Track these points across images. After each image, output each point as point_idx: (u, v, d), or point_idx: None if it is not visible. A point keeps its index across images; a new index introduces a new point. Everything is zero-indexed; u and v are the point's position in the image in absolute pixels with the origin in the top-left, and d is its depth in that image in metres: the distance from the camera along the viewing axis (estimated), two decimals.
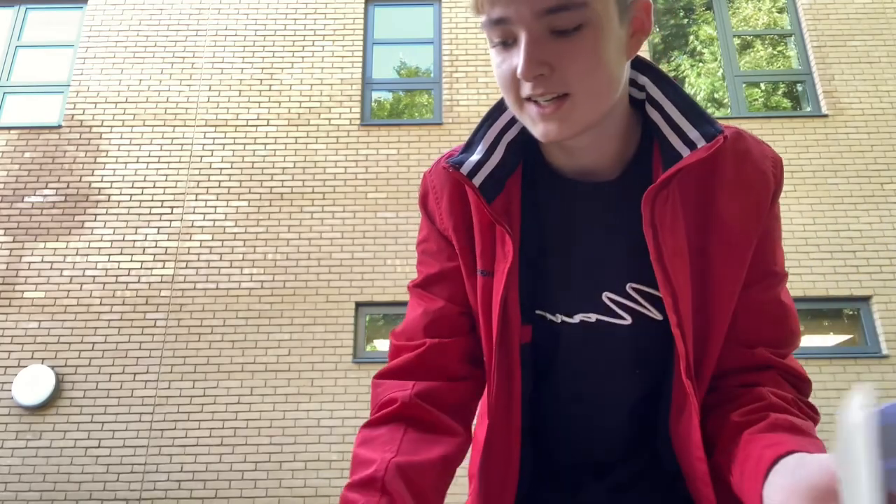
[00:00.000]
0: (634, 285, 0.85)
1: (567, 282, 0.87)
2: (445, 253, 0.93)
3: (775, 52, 7.82)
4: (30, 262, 6.18)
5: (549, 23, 0.69)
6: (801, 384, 0.84)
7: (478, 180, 0.84)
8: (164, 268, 6.16)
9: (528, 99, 0.74)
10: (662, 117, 0.81)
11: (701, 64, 7.94)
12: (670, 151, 0.79)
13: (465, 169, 0.84)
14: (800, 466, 0.63)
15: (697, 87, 7.90)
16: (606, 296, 0.86)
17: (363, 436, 0.85)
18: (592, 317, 0.86)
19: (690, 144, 0.78)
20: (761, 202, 0.83)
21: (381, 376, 0.92)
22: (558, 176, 0.86)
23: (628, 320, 0.85)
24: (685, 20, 8.06)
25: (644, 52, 6.86)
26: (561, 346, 0.89)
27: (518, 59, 0.71)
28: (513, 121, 0.87)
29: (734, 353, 0.84)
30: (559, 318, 0.88)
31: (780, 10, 7.64)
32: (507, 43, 0.73)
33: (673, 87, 0.83)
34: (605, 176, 0.84)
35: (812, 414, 0.81)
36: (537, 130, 0.76)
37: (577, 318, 0.87)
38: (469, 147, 0.87)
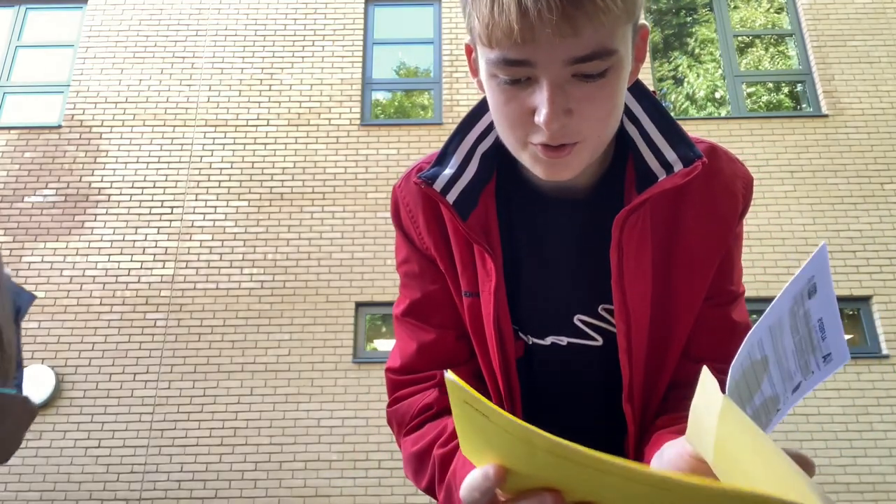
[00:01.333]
0: (606, 306, 0.83)
1: (539, 303, 0.85)
2: (429, 274, 0.88)
3: (775, 53, 7.82)
4: (30, 262, 6.18)
5: (578, 69, 0.64)
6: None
7: (452, 196, 0.79)
8: (164, 268, 6.16)
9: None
10: (640, 134, 0.79)
11: (699, 64, 7.93)
12: (645, 172, 0.77)
13: (438, 184, 0.79)
14: (663, 453, 0.60)
15: (696, 87, 7.90)
16: (578, 318, 0.84)
17: (408, 442, 0.83)
18: (564, 340, 0.85)
19: (667, 167, 0.76)
20: (727, 223, 0.81)
21: (396, 400, 0.89)
22: (532, 190, 0.82)
23: (599, 341, 0.84)
24: (687, 19, 8.06)
25: None
26: (534, 367, 0.87)
27: (535, 101, 0.66)
28: (487, 131, 0.82)
29: (682, 365, 0.84)
30: (530, 339, 0.86)
31: (778, 11, 7.64)
32: (519, 81, 0.66)
33: (653, 103, 0.80)
34: (579, 191, 0.81)
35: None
36: (539, 171, 0.72)
37: (548, 341, 0.86)
38: (442, 159, 0.82)
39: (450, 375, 0.46)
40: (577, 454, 0.42)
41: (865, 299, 6.06)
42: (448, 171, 0.80)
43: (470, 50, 0.74)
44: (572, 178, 0.75)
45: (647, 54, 6.85)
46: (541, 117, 0.65)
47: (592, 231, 0.80)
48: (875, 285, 6.03)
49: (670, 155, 0.76)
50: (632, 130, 0.79)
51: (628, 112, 0.80)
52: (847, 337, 6.43)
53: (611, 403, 0.85)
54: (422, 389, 0.86)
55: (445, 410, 0.83)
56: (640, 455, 0.82)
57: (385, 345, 6.49)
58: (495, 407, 0.44)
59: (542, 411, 0.89)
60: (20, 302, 1.32)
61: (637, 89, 0.81)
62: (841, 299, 6.13)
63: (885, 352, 5.83)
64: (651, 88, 0.86)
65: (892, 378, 5.72)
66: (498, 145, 0.81)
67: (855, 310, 6.15)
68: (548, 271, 0.84)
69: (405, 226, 0.88)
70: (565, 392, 0.89)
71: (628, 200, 0.78)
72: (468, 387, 0.45)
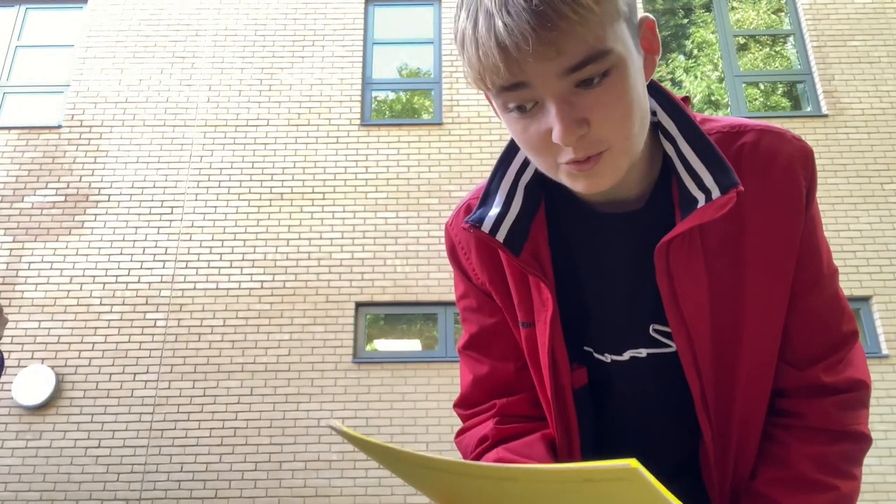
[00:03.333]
0: (657, 327, 0.84)
1: (610, 320, 0.85)
2: (487, 308, 0.90)
3: (772, 53, 7.82)
4: (30, 262, 6.18)
5: (576, 77, 0.64)
6: (851, 402, 0.82)
7: (501, 235, 0.80)
8: (164, 268, 6.16)
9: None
10: (676, 153, 0.77)
11: (696, 66, 7.94)
12: (686, 193, 0.76)
13: (486, 226, 0.80)
14: None
15: (693, 90, 7.91)
16: (654, 328, 0.84)
17: None
18: (643, 352, 0.85)
19: (706, 191, 0.74)
20: (794, 208, 0.78)
21: (461, 433, 0.93)
22: (583, 206, 0.82)
23: (674, 347, 0.83)
24: (685, 20, 8.06)
25: None
26: (615, 384, 0.88)
27: (548, 122, 0.66)
28: (526, 163, 0.83)
29: (787, 374, 0.83)
30: (608, 357, 0.86)
31: (776, 12, 7.64)
32: (526, 108, 0.67)
33: (685, 119, 0.79)
34: (631, 203, 0.80)
35: (836, 476, 0.80)
36: (579, 186, 0.71)
37: (626, 356, 0.85)
38: (486, 199, 0.83)
39: (333, 424, 0.51)
40: (432, 462, 0.48)
41: (865, 299, 6.07)
42: (494, 210, 0.81)
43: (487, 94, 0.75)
44: (619, 190, 0.76)
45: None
46: (556, 135, 0.65)
47: (646, 247, 0.79)
48: (875, 285, 6.03)
49: (707, 179, 0.74)
50: (669, 149, 0.78)
51: (664, 130, 0.79)
52: None
53: (684, 413, 0.85)
54: (481, 421, 0.89)
55: (502, 440, 0.85)
56: (723, 466, 0.84)
57: (385, 345, 6.50)
58: (373, 440, 0.49)
59: (610, 436, 0.90)
60: None
61: (670, 105, 0.80)
62: None
63: (885, 352, 5.84)
64: (683, 95, 0.84)
65: (892, 378, 5.73)
66: (540, 174, 0.82)
67: (855, 310, 6.15)
68: (611, 288, 0.84)
69: (462, 263, 0.91)
70: (640, 409, 0.89)
71: (677, 220, 0.78)
72: (349, 431, 0.50)
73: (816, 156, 5.65)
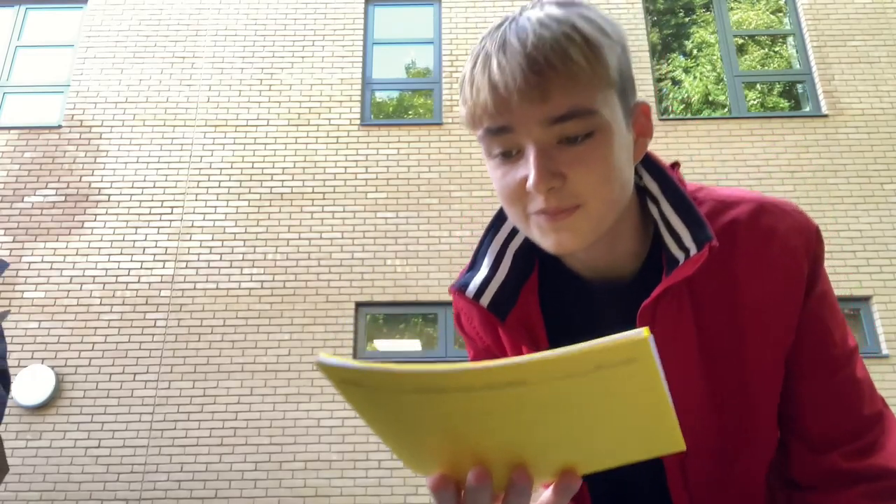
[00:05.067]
0: None
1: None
2: None
3: (772, 53, 7.82)
4: (30, 262, 6.18)
5: (559, 131, 0.66)
6: (883, 493, 0.74)
7: (485, 300, 0.80)
8: (164, 268, 6.16)
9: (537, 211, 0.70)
10: (659, 215, 0.77)
11: (696, 66, 7.94)
12: (670, 255, 0.75)
13: (470, 291, 0.81)
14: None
15: (691, 90, 7.90)
16: None
17: None
18: None
19: (685, 250, 0.73)
20: (793, 285, 0.75)
21: None
22: (576, 277, 0.81)
23: None
24: (685, 20, 8.06)
25: (643, 51, 6.86)
26: None
27: (526, 170, 0.67)
28: (516, 229, 0.83)
29: (802, 458, 0.78)
30: None
31: (775, 12, 7.64)
32: (510, 154, 0.69)
33: (667, 181, 0.78)
34: (623, 275, 0.79)
35: None
36: (547, 242, 0.71)
37: None
38: (474, 264, 0.83)
39: (320, 358, 0.46)
40: (423, 374, 0.45)
41: (865, 299, 6.06)
42: (480, 275, 0.82)
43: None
44: (611, 268, 0.76)
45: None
46: (529, 181, 0.66)
47: (635, 316, 0.78)
48: (875, 285, 6.03)
49: (686, 237, 0.74)
50: (654, 212, 0.78)
51: (649, 193, 0.79)
52: None
53: (660, 484, 0.83)
54: None
55: None
56: None
57: (385, 345, 6.50)
58: (363, 364, 0.45)
59: (609, 489, 0.89)
60: None
61: (653, 167, 0.80)
62: (841, 299, 6.13)
63: (885, 352, 5.84)
64: (672, 161, 0.83)
65: (892, 378, 5.72)
66: (531, 241, 0.81)
67: (855, 310, 6.15)
68: None
69: (467, 329, 0.92)
70: (614, 476, 0.90)
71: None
72: (339, 358, 0.45)
73: (816, 156, 5.60)
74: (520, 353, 0.83)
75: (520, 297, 0.81)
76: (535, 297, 0.82)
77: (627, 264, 0.79)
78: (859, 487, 0.74)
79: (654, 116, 6.63)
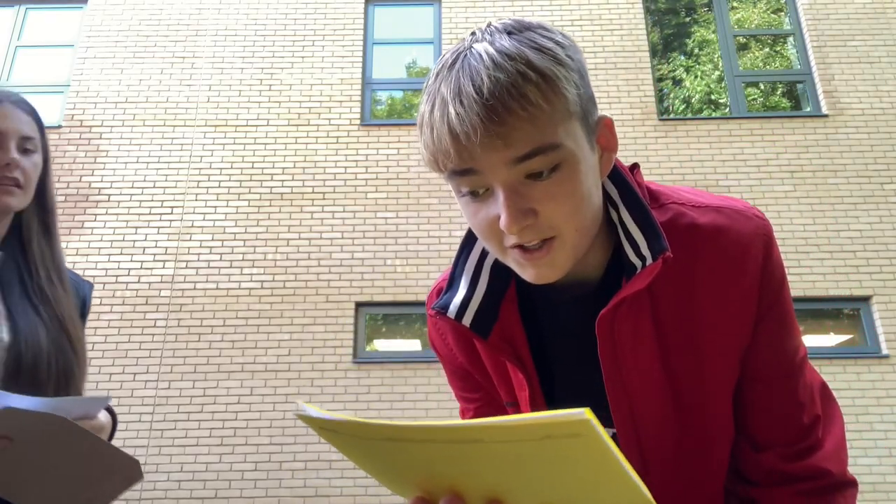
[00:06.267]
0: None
1: (579, 397, 0.85)
2: (471, 385, 0.92)
3: (772, 52, 7.82)
4: None
5: (524, 169, 0.66)
6: (815, 491, 0.78)
7: (467, 319, 0.80)
8: (164, 268, 6.16)
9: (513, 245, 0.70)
10: (619, 221, 0.77)
11: (697, 66, 7.94)
12: (628, 262, 0.76)
13: (451, 312, 0.81)
14: None
15: (692, 90, 7.91)
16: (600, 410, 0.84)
17: None
18: (610, 431, 0.84)
19: (642, 258, 0.74)
20: (745, 285, 0.76)
21: None
22: (544, 290, 0.80)
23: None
24: (686, 19, 8.06)
25: (643, 51, 6.86)
26: None
27: (497, 209, 0.67)
28: None
29: (746, 455, 0.81)
30: None
31: (776, 11, 7.64)
32: (478, 193, 0.69)
33: (626, 186, 0.79)
34: (588, 286, 0.80)
35: None
36: (526, 275, 0.72)
37: None
38: (452, 283, 0.83)
39: (301, 407, 0.50)
40: (389, 429, 0.48)
41: (865, 299, 6.06)
42: (459, 295, 0.82)
43: None
44: (576, 272, 0.76)
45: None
46: (502, 223, 0.67)
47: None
48: (875, 285, 6.03)
49: (643, 246, 0.74)
50: (615, 218, 0.78)
51: (611, 199, 0.79)
52: (847, 337, 6.45)
53: None
54: None
55: None
56: None
57: (385, 345, 6.50)
58: (338, 415, 0.49)
59: None
60: (83, 292, 1.34)
61: (614, 173, 0.80)
62: (841, 299, 6.14)
63: (885, 352, 5.83)
64: (633, 163, 0.84)
65: (892, 378, 5.72)
66: None
67: (855, 310, 6.15)
68: (575, 368, 0.84)
69: (440, 349, 0.92)
70: None
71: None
72: (317, 409, 0.49)
73: (816, 156, 5.59)
74: (502, 368, 0.84)
75: (501, 311, 0.82)
76: (516, 309, 0.83)
77: (595, 268, 0.80)
78: (795, 486, 0.78)
79: (655, 116, 6.64)
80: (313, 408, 0.49)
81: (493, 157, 0.65)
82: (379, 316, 6.38)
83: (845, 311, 6.28)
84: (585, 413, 0.42)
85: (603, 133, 0.73)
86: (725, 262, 0.76)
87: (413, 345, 6.58)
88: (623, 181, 0.79)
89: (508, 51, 0.65)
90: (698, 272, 0.76)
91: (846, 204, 6.27)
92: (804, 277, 6.00)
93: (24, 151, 1.20)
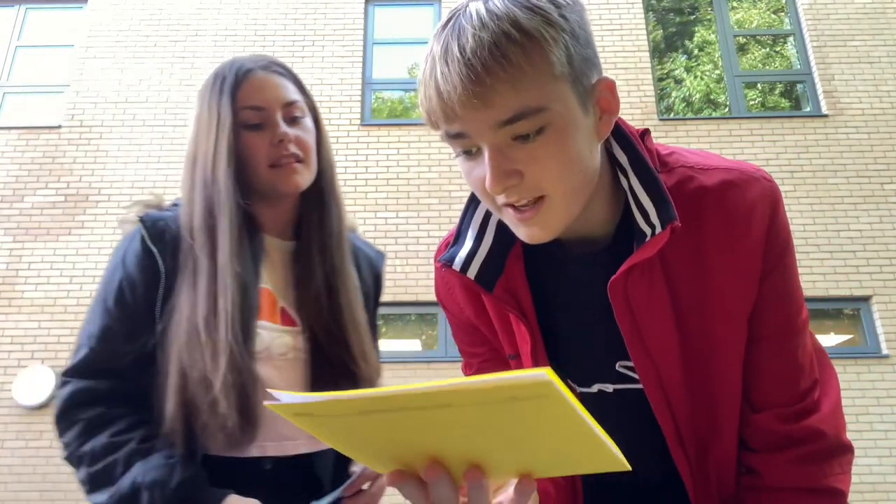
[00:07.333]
0: (624, 363, 0.85)
1: (577, 354, 0.86)
2: (478, 339, 0.93)
3: (772, 53, 7.82)
4: (30, 262, 6.18)
5: (510, 131, 0.66)
6: (813, 456, 0.78)
7: (472, 272, 0.81)
8: None
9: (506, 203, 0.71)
10: (629, 189, 0.77)
11: (697, 65, 7.94)
12: (638, 229, 0.76)
13: (457, 264, 0.82)
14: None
15: (692, 89, 7.91)
16: (620, 364, 0.84)
17: None
18: (610, 387, 0.85)
19: (652, 226, 0.74)
20: (752, 246, 0.77)
21: None
22: (553, 247, 0.81)
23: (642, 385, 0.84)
24: (690, 17, 8.06)
25: (643, 51, 6.86)
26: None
27: (485, 169, 0.68)
28: None
29: (746, 417, 0.82)
30: (577, 388, 0.87)
31: (776, 11, 7.64)
32: (471, 152, 0.70)
33: (635, 153, 0.78)
34: (601, 240, 0.81)
35: None
36: (519, 234, 0.73)
37: (594, 388, 0.86)
38: (458, 238, 0.85)
39: (274, 395, 0.50)
40: (364, 399, 0.48)
41: (865, 299, 6.07)
42: (465, 248, 0.83)
43: None
44: (584, 228, 0.78)
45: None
46: (487, 183, 0.68)
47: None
48: (875, 285, 6.03)
49: (653, 214, 0.74)
50: (625, 184, 0.78)
51: (619, 164, 0.79)
52: (847, 337, 6.44)
53: (657, 448, 0.84)
54: None
55: None
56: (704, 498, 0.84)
57: (385, 345, 6.50)
58: (310, 395, 0.49)
59: None
60: (378, 265, 1.23)
61: (623, 138, 0.79)
62: (841, 299, 6.14)
63: (885, 352, 5.83)
64: (644, 127, 0.84)
65: (892, 378, 5.72)
66: None
67: (855, 310, 6.15)
68: (578, 324, 0.85)
69: (445, 300, 0.93)
70: (618, 435, 0.91)
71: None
72: (289, 393, 0.49)
73: (816, 156, 5.59)
74: (506, 322, 0.85)
75: (506, 266, 0.83)
76: (521, 265, 0.83)
77: (602, 228, 0.80)
78: (791, 451, 0.78)
79: (655, 116, 6.63)
80: (286, 393, 0.49)
81: (476, 117, 0.65)
82: (379, 316, 6.38)
83: (845, 311, 6.29)
84: (546, 373, 0.43)
85: (603, 95, 0.73)
86: (732, 222, 0.76)
87: (413, 345, 6.58)
88: (633, 147, 0.79)
89: (497, 10, 0.65)
90: (707, 234, 0.77)
91: (846, 204, 6.27)
92: (804, 277, 5.97)
93: (293, 120, 1.07)
